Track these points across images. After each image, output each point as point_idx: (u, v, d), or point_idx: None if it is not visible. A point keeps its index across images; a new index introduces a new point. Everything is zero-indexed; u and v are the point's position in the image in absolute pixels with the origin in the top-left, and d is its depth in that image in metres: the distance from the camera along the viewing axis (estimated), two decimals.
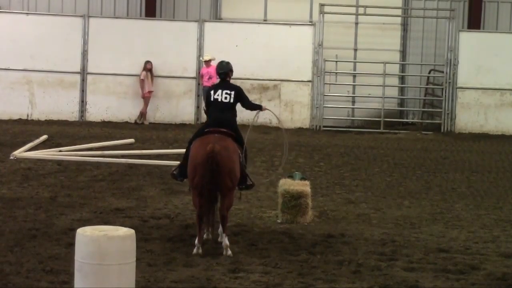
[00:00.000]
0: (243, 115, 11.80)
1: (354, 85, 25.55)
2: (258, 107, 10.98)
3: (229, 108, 10.31)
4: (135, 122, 23.67)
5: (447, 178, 16.38)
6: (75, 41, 23.92)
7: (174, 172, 10.55)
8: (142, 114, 23.70)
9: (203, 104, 22.61)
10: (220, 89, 10.36)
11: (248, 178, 10.37)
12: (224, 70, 10.57)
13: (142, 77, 23.48)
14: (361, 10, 25.06)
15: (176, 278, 8.55)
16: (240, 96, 10.42)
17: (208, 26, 24.24)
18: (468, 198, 14.25)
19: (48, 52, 23.79)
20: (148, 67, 23.51)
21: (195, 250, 9.64)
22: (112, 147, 18.48)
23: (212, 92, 10.39)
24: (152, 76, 23.68)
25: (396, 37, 25.96)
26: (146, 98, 23.62)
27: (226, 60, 10.92)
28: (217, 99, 10.29)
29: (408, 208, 13.19)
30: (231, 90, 10.34)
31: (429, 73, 25.59)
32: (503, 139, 23.04)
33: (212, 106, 10.37)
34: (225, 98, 10.28)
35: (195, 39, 24.03)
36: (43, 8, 25.48)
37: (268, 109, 11.15)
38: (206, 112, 11.02)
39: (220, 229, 10.00)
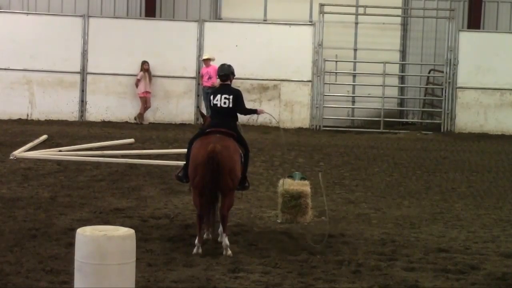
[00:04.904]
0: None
1: (354, 85, 25.56)
2: (253, 112, 10.95)
3: (229, 113, 10.28)
4: (134, 118, 23.69)
5: (447, 178, 16.38)
6: (75, 41, 23.91)
7: (179, 174, 10.53)
8: (140, 114, 23.72)
9: (202, 105, 22.77)
10: (219, 93, 10.32)
11: (246, 179, 10.39)
12: (225, 72, 10.53)
13: (139, 77, 23.49)
14: (361, 10, 25.06)
15: (176, 278, 8.55)
16: (237, 101, 10.35)
17: (208, 26, 24.24)
18: (468, 198, 14.25)
19: (48, 52, 23.78)
20: (145, 68, 23.51)
21: (195, 250, 9.65)
22: (112, 147, 18.48)
23: (211, 97, 10.39)
24: (150, 76, 23.67)
25: (396, 37, 25.96)
26: (142, 98, 23.63)
27: (227, 60, 10.91)
28: (216, 104, 10.26)
29: (408, 208, 13.19)
30: (229, 95, 10.28)
31: (429, 73, 25.60)
32: (503, 139, 23.04)
33: (212, 111, 10.38)
34: (224, 103, 10.24)
35: (195, 39, 24.03)
36: (43, 8, 25.47)
37: (266, 112, 11.15)
38: (201, 114, 11.10)
39: (220, 229, 10.01)
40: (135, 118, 23.73)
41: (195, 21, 24.34)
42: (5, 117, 23.55)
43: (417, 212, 12.83)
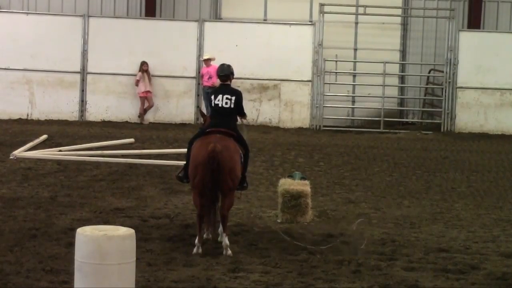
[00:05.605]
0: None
1: (354, 85, 25.55)
2: (244, 116, 10.83)
3: (230, 114, 10.27)
4: (138, 117, 23.71)
5: (447, 178, 16.38)
6: (75, 41, 23.91)
7: (180, 175, 10.52)
8: (140, 114, 23.74)
9: (203, 104, 22.78)
10: (220, 94, 10.30)
11: (245, 180, 10.39)
12: (225, 72, 10.52)
13: (138, 78, 23.49)
14: (361, 10, 25.06)
15: (176, 277, 8.55)
16: (238, 103, 10.33)
17: (208, 25, 24.24)
18: (468, 198, 14.25)
19: (48, 52, 23.78)
20: (144, 68, 23.50)
21: (195, 250, 9.65)
22: (112, 146, 18.48)
23: (212, 97, 10.37)
24: (149, 76, 23.66)
25: (396, 37, 25.95)
26: (142, 98, 23.64)
27: (227, 60, 10.91)
28: (217, 104, 10.25)
29: (408, 207, 13.19)
30: (231, 95, 10.27)
31: (429, 72, 25.59)
32: (503, 139, 23.04)
33: (213, 111, 10.37)
34: (226, 103, 10.24)
35: (195, 39, 24.03)
36: (43, 8, 25.47)
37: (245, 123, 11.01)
38: (201, 113, 11.08)
39: (220, 229, 10.01)
40: (138, 116, 23.74)
41: (195, 21, 24.34)
42: (5, 117, 23.55)
43: (417, 212, 12.82)
